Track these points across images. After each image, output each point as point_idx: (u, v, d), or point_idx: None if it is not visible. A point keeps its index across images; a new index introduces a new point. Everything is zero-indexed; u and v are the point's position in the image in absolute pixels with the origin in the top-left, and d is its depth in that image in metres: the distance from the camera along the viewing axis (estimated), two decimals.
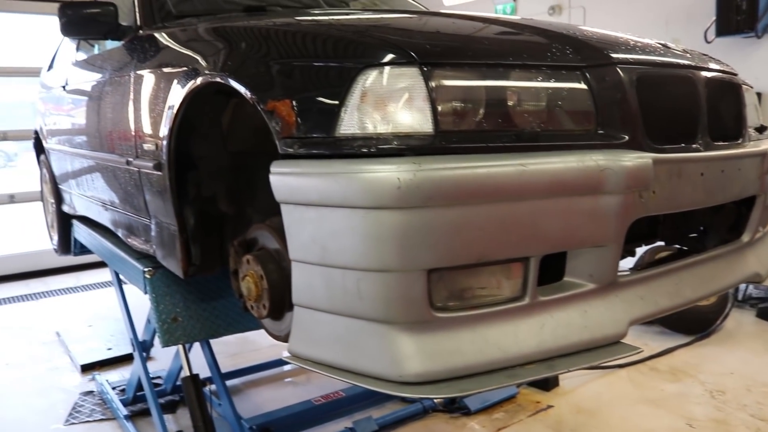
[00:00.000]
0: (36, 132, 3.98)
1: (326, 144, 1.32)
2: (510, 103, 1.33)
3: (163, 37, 2.16)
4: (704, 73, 1.68)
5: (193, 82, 1.76)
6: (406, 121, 1.27)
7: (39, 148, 4.03)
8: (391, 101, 1.27)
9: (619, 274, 1.53)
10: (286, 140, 1.39)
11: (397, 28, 1.58)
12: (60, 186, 3.62)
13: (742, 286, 4.60)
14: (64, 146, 3.26)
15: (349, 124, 1.30)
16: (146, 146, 2.11)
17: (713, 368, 3.60)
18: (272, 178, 1.39)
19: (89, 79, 2.80)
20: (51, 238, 4.10)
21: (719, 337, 4.04)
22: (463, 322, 1.27)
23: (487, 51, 1.38)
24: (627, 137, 1.44)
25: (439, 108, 1.27)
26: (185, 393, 2.70)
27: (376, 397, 3.29)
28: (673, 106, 1.59)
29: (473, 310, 1.28)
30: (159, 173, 2.02)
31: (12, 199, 5.83)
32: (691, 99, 1.63)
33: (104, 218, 2.86)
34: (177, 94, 1.85)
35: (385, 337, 1.25)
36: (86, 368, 3.90)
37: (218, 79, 1.63)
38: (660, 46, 1.68)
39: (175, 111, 1.86)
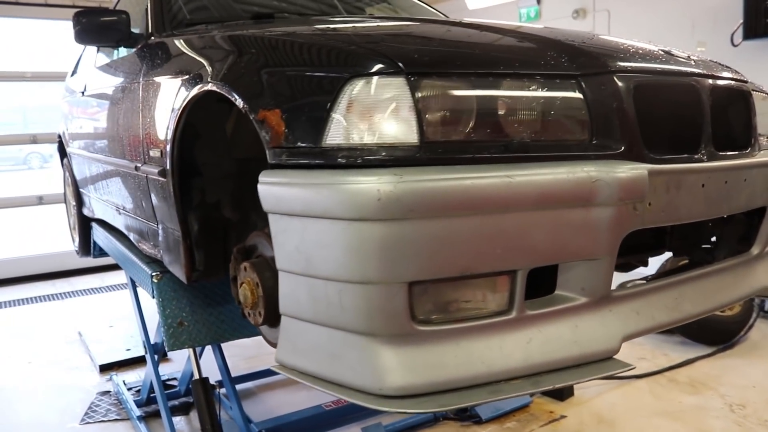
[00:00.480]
0: (59, 136, 4.07)
1: (313, 154, 1.31)
2: (500, 113, 1.31)
3: (169, 45, 2.19)
4: (709, 81, 1.63)
5: (192, 89, 1.78)
6: (391, 131, 1.26)
7: (63, 152, 4.12)
8: (376, 111, 1.26)
9: (631, 284, 1.50)
10: (275, 150, 1.39)
11: (387, 38, 1.57)
12: (81, 189, 3.69)
13: None
14: (83, 151, 3.32)
15: (335, 135, 1.29)
16: (152, 152, 2.13)
17: (735, 381, 3.50)
18: (260, 188, 1.39)
19: (104, 85, 2.86)
20: (73, 240, 4.18)
21: (742, 348, 3.93)
22: (446, 336, 1.25)
23: (478, 60, 1.36)
24: (623, 148, 1.41)
25: (425, 118, 1.26)
26: (194, 396, 2.72)
27: None
28: (673, 115, 1.55)
29: (457, 324, 1.26)
30: (164, 179, 2.04)
31: (41, 200, 5.98)
32: (694, 108, 1.58)
33: (118, 222, 2.91)
34: (179, 101, 1.88)
35: (366, 349, 1.24)
36: (105, 368, 3.96)
37: (215, 88, 1.64)
38: (662, 53, 1.64)
39: (176, 117, 1.88)
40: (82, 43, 2.49)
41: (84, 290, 5.73)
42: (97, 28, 2.42)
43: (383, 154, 1.25)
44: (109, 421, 3.35)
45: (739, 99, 1.77)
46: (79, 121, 3.42)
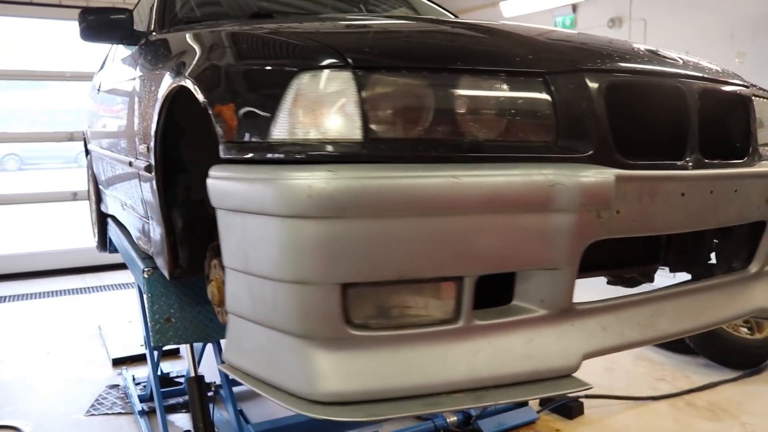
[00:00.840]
0: (83, 133, 4.17)
1: (260, 149, 1.28)
2: (453, 110, 1.25)
3: (162, 42, 2.20)
4: (699, 84, 1.52)
5: (169, 86, 1.77)
6: (335, 127, 1.21)
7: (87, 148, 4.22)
8: (321, 106, 1.22)
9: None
10: (227, 144, 1.36)
11: (347, 33, 1.53)
12: (99, 186, 3.77)
13: None
14: (97, 147, 3.39)
15: (281, 129, 1.25)
16: (140, 148, 2.14)
17: (758, 408, 3.29)
18: (208, 182, 1.36)
19: (112, 82, 2.90)
20: (94, 235, 4.27)
21: None
22: (384, 342, 1.19)
23: (433, 55, 1.30)
24: (592, 151, 1.32)
25: (371, 114, 1.20)
26: (189, 394, 2.72)
27: None
28: (654, 118, 1.45)
29: (396, 330, 1.20)
30: (150, 175, 2.04)
31: (75, 196, 6.14)
32: (678, 111, 1.47)
33: (123, 218, 2.94)
34: (161, 97, 1.87)
35: (300, 352, 1.19)
36: (117, 362, 4.02)
37: (183, 83, 1.62)
38: (646, 52, 1.54)
39: (158, 112, 1.88)
40: (87, 41, 2.52)
41: (111, 285, 5.84)
42: (100, 26, 2.45)
43: (327, 149, 1.20)
44: (113, 414, 3.38)
45: (737, 104, 1.65)
46: (95, 117, 3.49)
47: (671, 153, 1.47)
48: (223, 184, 1.31)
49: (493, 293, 1.34)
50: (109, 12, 2.48)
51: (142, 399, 3.42)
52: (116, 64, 3.04)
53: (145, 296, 2.36)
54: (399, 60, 1.26)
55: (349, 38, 1.42)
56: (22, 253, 6.37)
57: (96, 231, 4.09)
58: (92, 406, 3.45)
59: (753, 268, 1.70)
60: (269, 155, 1.25)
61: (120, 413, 3.39)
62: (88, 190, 4.42)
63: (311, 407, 1.16)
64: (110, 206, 3.40)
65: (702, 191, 1.45)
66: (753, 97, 1.70)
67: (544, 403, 3.32)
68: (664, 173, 1.39)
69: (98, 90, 3.35)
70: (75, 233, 6.76)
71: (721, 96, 1.60)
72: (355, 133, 1.20)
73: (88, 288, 5.78)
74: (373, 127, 1.20)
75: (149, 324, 2.31)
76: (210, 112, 1.43)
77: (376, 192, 1.13)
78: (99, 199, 3.84)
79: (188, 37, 1.90)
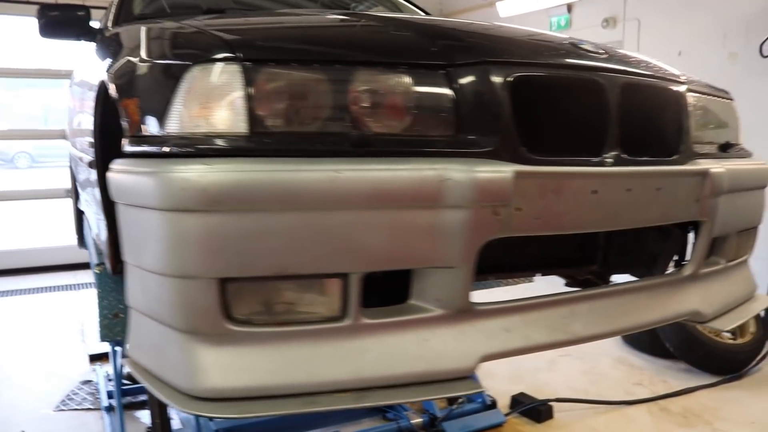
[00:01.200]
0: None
1: (155, 143, 1.26)
2: (345, 105, 1.22)
3: (112, 37, 2.19)
4: (623, 78, 1.47)
5: (99, 80, 1.77)
6: (222, 120, 1.19)
7: None
8: (210, 99, 1.20)
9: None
10: (129, 139, 1.35)
11: (245, 27, 1.50)
12: (75, 183, 3.79)
13: None
14: (69, 143, 3.41)
15: (174, 123, 1.24)
16: (86, 143, 2.14)
17: (733, 415, 3.22)
18: (107, 176, 1.35)
19: (76, 78, 2.92)
20: (75, 232, 4.29)
21: (750, 380, 3.62)
22: (266, 339, 1.17)
23: (327, 48, 1.28)
24: (494, 146, 1.29)
25: (258, 108, 1.18)
26: (147, 390, 2.72)
27: (354, 411, 3.19)
28: (568, 113, 1.41)
29: (279, 327, 1.18)
30: (93, 170, 2.04)
31: (68, 193, 6.17)
32: (595, 106, 1.43)
33: (87, 213, 2.95)
34: (94, 91, 1.87)
35: (182, 347, 1.17)
36: (94, 359, 4.02)
37: (103, 78, 1.62)
38: (565, 44, 1.50)
39: (93, 107, 1.87)
40: (46, 38, 2.53)
41: None
42: (58, 23, 2.46)
43: (214, 143, 1.18)
44: (82, 409, 3.39)
45: (668, 100, 1.59)
46: (68, 112, 3.51)
47: (589, 149, 1.43)
48: (119, 178, 1.30)
49: (399, 292, 1.32)
50: (66, 8, 2.48)
51: (111, 395, 3.42)
52: (82, 60, 3.06)
53: (96, 291, 2.35)
54: (291, 53, 1.24)
55: (246, 32, 1.40)
56: (15, 249, 6.43)
57: (76, 228, 4.11)
58: (62, 401, 3.46)
59: (687, 270, 1.64)
60: (162, 149, 1.23)
61: (89, 409, 3.40)
62: (70, 188, 4.45)
63: (188, 403, 1.14)
64: (82, 203, 3.41)
65: (617, 189, 1.41)
66: (688, 93, 1.64)
67: (512, 405, 3.27)
68: (571, 169, 1.35)
69: (70, 85, 3.37)
70: (68, 230, 6.83)
71: (649, 91, 1.55)
72: (240, 127, 1.18)
73: (80, 285, 5.81)
74: (260, 120, 1.18)
75: (98, 319, 2.31)
76: (119, 106, 1.42)
77: (251, 186, 1.11)
78: (77, 195, 3.86)
79: (124, 33, 1.90)
